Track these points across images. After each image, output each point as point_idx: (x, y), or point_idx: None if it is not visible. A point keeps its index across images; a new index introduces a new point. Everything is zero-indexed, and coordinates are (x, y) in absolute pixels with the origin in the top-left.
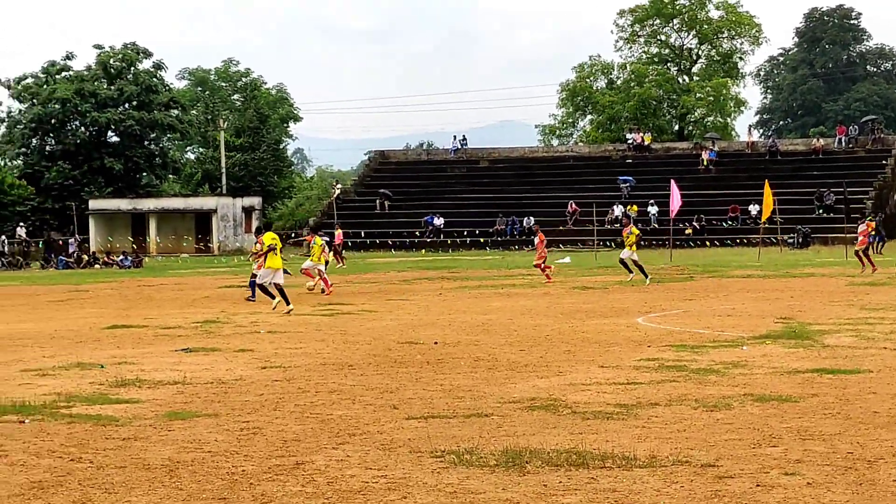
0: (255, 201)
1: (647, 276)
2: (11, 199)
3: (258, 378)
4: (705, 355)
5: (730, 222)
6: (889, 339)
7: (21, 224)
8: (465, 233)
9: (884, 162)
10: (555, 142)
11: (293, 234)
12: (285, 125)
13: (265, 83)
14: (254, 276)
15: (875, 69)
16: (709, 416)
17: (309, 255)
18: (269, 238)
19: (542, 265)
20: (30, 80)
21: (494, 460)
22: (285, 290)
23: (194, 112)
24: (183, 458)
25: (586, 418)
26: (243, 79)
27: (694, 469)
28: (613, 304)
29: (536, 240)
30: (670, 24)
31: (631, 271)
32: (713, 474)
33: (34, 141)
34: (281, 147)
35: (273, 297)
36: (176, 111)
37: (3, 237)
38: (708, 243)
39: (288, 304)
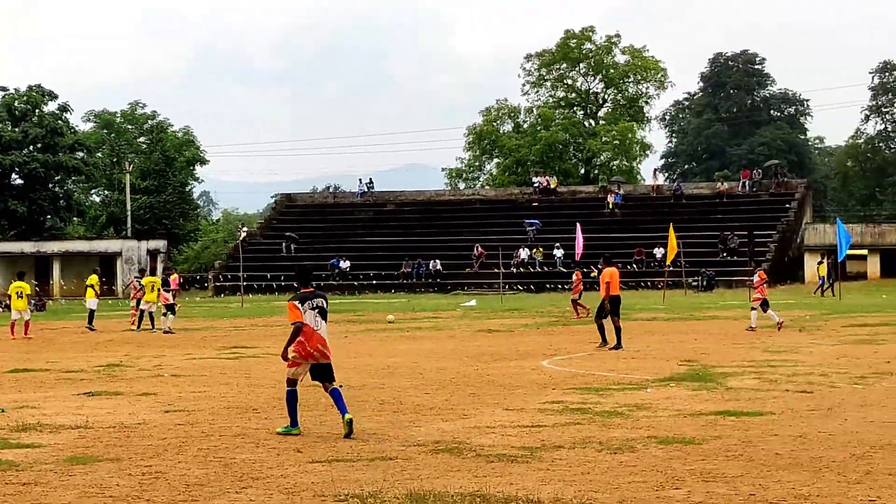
0: (161, 244)
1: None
2: None
3: (161, 422)
4: (610, 398)
5: (635, 265)
6: (791, 382)
7: None
8: (372, 275)
9: (787, 206)
10: (461, 185)
11: (198, 277)
12: (191, 168)
13: (171, 125)
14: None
15: (778, 114)
16: (613, 458)
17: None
18: (14, 287)
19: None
20: None
21: None
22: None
23: (100, 154)
24: (84, 503)
25: (490, 461)
26: (149, 121)
27: None
28: (518, 346)
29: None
30: (577, 69)
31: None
32: None
33: None
34: (187, 190)
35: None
36: (81, 154)
37: None
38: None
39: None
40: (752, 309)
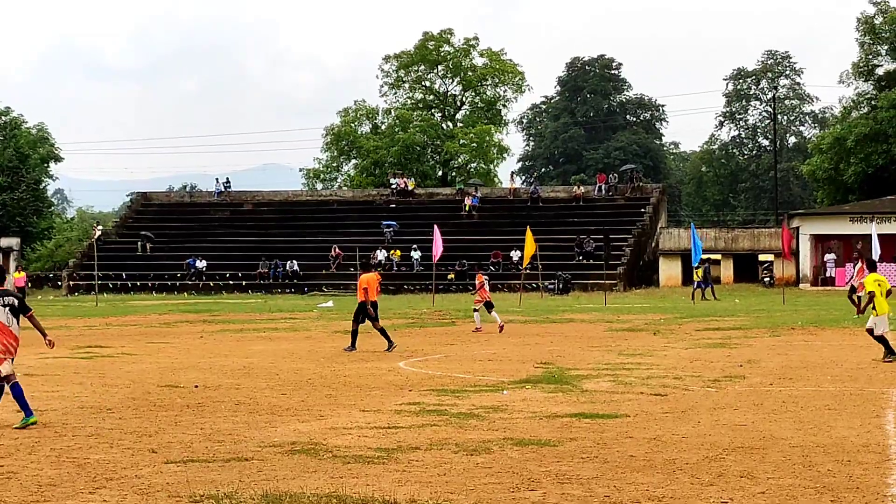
0: (14, 242)
1: None
2: None
3: (13, 421)
4: (466, 399)
5: (492, 268)
6: (645, 385)
7: None
8: (228, 276)
9: (642, 210)
10: (319, 185)
11: (52, 276)
12: (46, 165)
13: (25, 122)
14: None
15: (635, 119)
16: (469, 459)
17: None
18: None
19: None
20: None
21: None
22: None
23: None
24: None
25: (347, 462)
26: (2, 117)
27: None
28: (376, 348)
29: None
30: (435, 71)
31: None
32: None
33: None
34: (41, 187)
35: None
36: None
37: None
38: (470, 288)
39: None
40: (475, 310)
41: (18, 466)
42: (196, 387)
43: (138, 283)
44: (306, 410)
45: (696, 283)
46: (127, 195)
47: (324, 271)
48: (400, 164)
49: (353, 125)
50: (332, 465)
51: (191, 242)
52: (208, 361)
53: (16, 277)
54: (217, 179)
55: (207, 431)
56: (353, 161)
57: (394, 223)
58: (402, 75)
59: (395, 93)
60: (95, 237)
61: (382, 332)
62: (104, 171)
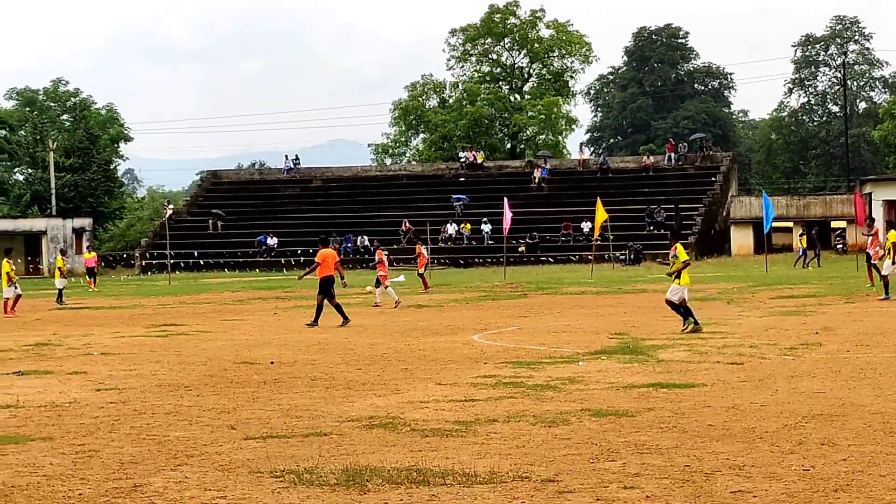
0: (86, 222)
1: None
2: None
3: (93, 400)
4: (542, 371)
5: (563, 239)
6: (721, 353)
7: None
8: (299, 252)
9: (713, 179)
10: (388, 160)
11: (125, 255)
12: (116, 145)
13: (95, 103)
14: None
15: (703, 87)
16: (547, 431)
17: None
18: None
19: None
20: None
21: (335, 479)
22: None
23: (22, 132)
24: (17, 482)
25: (425, 436)
26: (72, 99)
27: (534, 484)
28: (449, 321)
29: None
30: (501, 43)
31: None
32: (553, 489)
33: None
34: (111, 167)
35: None
36: (3, 132)
37: None
38: (542, 260)
39: None
40: (387, 287)
41: (100, 445)
42: (272, 363)
43: (210, 262)
44: (383, 385)
45: (802, 251)
46: (197, 174)
47: (395, 246)
48: (468, 137)
49: (420, 100)
50: (410, 439)
51: (261, 220)
52: (283, 338)
53: (86, 258)
54: (286, 156)
55: (285, 407)
56: (422, 135)
57: (464, 196)
58: (469, 49)
59: (462, 66)
60: (167, 216)
61: (338, 307)
62: (174, 151)
